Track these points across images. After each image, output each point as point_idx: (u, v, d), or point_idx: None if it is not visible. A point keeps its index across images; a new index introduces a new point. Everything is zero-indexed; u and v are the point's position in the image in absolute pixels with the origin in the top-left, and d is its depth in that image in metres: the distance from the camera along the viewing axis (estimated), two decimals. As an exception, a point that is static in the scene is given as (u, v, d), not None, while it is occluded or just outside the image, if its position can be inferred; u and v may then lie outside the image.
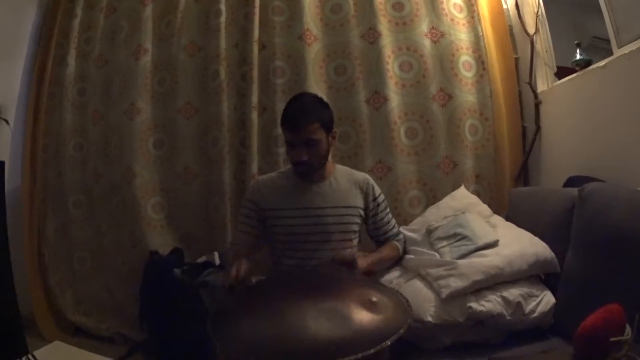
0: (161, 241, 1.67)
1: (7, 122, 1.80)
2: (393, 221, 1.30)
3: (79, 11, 1.94)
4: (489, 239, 1.17)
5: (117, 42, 1.84)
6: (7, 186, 1.69)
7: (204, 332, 0.82)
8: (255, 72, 1.66)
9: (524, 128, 1.78)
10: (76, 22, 1.92)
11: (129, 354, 1.66)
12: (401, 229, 1.43)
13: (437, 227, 1.31)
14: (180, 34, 1.77)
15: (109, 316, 1.79)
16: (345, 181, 1.24)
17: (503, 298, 1.05)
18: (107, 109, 1.83)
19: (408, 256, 1.27)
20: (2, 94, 1.89)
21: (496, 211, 1.52)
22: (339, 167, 1.29)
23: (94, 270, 1.83)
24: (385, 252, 1.25)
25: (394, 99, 1.66)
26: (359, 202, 1.23)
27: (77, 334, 1.86)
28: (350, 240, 1.22)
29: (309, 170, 1.17)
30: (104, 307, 1.81)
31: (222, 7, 1.74)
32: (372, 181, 1.27)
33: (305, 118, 1.11)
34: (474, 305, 1.03)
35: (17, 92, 2.00)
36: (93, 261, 1.83)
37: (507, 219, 1.41)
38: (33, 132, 1.91)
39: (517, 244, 1.14)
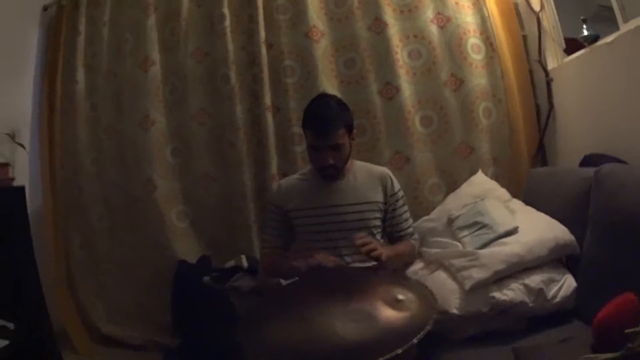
0: (188, 248, 1.70)
1: (22, 146, 1.82)
2: (410, 220, 1.30)
3: (82, 28, 1.94)
4: (509, 226, 1.18)
5: (123, 55, 1.85)
6: (30, 207, 1.72)
7: (234, 335, 0.83)
8: (265, 73, 1.67)
9: (537, 107, 1.77)
10: (81, 38, 1.93)
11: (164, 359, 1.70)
12: (421, 219, 1.44)
13: (458, 216, 1.33)
14: (186, 41, 1.77)
15: (139, 325, 1.82)
16: (364, 177, 1.25)
17: (525, 286, 1.06)
18: (120, 122, 1.84)
19: (425, 249, 1.28)
20: (14, 118, 1.90)
21: (516, 193, 1.53)
22: (358, 162, 1.30)
23: (121, 281, 1.86)
24: (403, 248, 1.25)
25: (406, 88, 1.66)
26: (379, 197, 1.23)
27: (110, 344, 1.90)
28: (373, 235, 1.22)
29: (334, 174, 1.19)
30: (134, 316, 1.84)
31: (226, 10, 1.73)
32: (391, 176, 1.28)
33: (332, 124, 1.12)
34: (496, 295, 1.05)
35: (30, 113, 2.01)
36: (119, 272, 1.86)
37: (526, 201, 1.41)
38: (49, 151, 1.93)
39: (536, 230, 1.15)
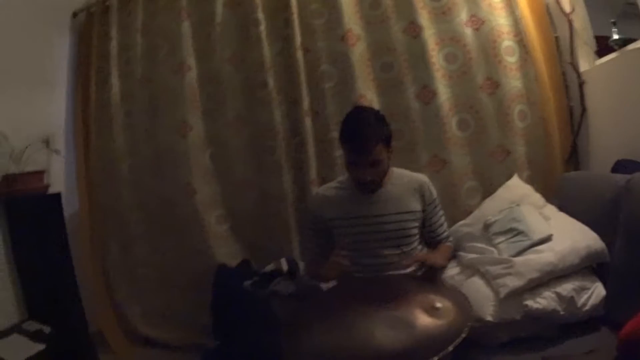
0: (228, 251, 1.73)
1: (58, 152, 1.84)
2: (445, 224, 1.32)
3: (113, 33, 1.96)
4: (544, 233, 1.20)
5: (158, 61, 1.87)
6: (66, 212, 1.75)
7: (275, 340, 0.87)
8: (302, 78, 1.68)
9: (570, 108, 1.77)
10: (113, 44, 1.95)
11: (203, 360, 1.73)
12: (458, 224, 1.45)
13: (494, 222, 1.34)
14: (222, 47, 1.79)
15: (177, 327, 1.86)
16: (402, 186, 1.25)
17: (557, 294, 1.08)
18: (156, 128, 1.86)
19: (462, 253, 1.30)
20: (49, 124, 1.94)
21: (550, 197, 1.53)
22: (396, 170, 1.30)
23: (157, 284, 1.89)
24: (446, 251, 1.28)
25: (443, 92, 1.66)
26: (417, 205, 1.24)
27: (147, 346, 1.94)
28: (411, 244, 1.24)
29: (373, 188, 1.20)
30: (170, 318, 1.88)
31: (260, 15, 1.74)
32: (429, 183, 1.28)
33: (370, 141, 1.12)
34: (530, 302, 1.07)
35: (64, 120, 2.04)
36: (156, 276, 1.89)
37: (558, 205, 1.42)
38: (85, 157, 1.96)
39: (569, 238, 1.17)
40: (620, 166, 1.36)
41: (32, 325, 1.51)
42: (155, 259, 1.89)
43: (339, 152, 1.63)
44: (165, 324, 1.90)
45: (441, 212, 1.30)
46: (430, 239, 1.30)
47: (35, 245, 1.61)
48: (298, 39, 1.69)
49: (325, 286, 1.29)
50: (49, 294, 1.61)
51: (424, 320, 0.84)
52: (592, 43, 1.66)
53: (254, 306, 1.53)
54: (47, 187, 1.75)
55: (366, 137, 1.12)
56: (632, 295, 0.99)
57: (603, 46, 1.54)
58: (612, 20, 1.44)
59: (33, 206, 1.64)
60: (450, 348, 0.74)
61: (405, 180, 1.26)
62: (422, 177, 1.29)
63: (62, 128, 2.02)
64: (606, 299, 1.09)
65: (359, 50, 1.69)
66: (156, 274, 1.90)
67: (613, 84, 1.50)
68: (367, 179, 1.15)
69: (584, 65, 1.70)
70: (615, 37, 1.43)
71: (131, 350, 1.91)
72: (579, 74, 1.70)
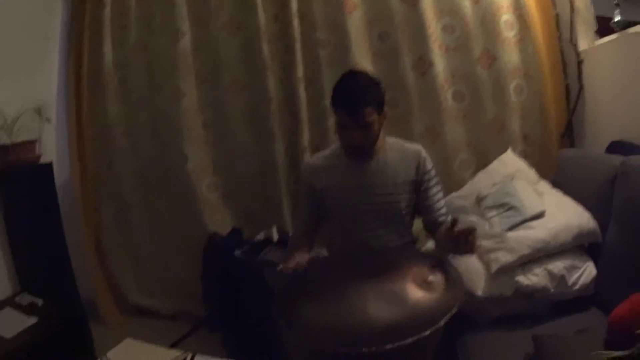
0: (219, 219, 1.72)
1: (49, 121, 1.81)
2: (443, 201, 1.24)
3: (107, 0, 1.92)
4: (536, 209, 1.20)
5: (153, 27, 1.84)
6: (58, 181, 1.74)
7: (267, 309, 0.87)
8: (298, 45, 1.66)
9: (567, 87, 1.76)
10: (107, 11, 1.91)
11: (194, 329, 1.74)
12: (451, 195, 1.44)
13: (487, 196, 1.34)
14: (218, 12, 1.75)
15: (171, 295, 1.86)
16: (396, 155, 1.21)
17: (548, 271, 1.09)
18: (152, 94, 1.84)
19: None
20: (42, 92, 1.90)
21: (544, 172, 1.53)
22: (391, 139, 1.26)
23: (153, 252, 1.89)
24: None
25: (439, 63, 1.65)
26: (411, 175, 1.20)
27: (139, 316, 1.94)
28: (403, 215, 1.21)
29: (360, 152, 1.17)
30: (166, 287, 1.88)
31: (256, -19, 1.71)
32: (424, 154, 1.23)
33: (362, 102, 1.08)
34: (521, 279, 1.08)
35: (56, 88, 2.01)
36: (152, 243, 1.89)
37: (555, 182, 1.42)
38: (77, 125, 1.94)
39: (562, 216, 1.16)
40: (615, 146, 1.36)
41: (25, 298, 1.50)
42: (149, 226, 1.89)
43: (332, 121, 1.61)
44: (158, 292, 1.90)
45: (439, 187, 1.23)
46: (427, 214, 1.22)
47: (27, 217, 1.60)
48: (295, 5, 1.67)
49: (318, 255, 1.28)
50: (42, 265, 1.61)
51: (416, 293, 0.84)
52: (593, 23, 1.64)
53: (244, 274, 1.53)
54: (39, 157, 1.73)
55: (356, 98, 1.09)
56: (623, 276, 1.00)
57: (605, 27, 1.52)
58: (616, 2, 1.43)
59: (25, 177, 1.61)
60: (442, 322, 0.74)
61: (399, 150, 1.22)
62: (418, 147, 1.25)
63: (54, 96, 1.99)
64: (597, 279, 1.10)
65: (356, 19, 1.67)
66: (151, 242, 1.90)
67: (612, 65, 1.49)
68: (356, 142, 1.11)
69: (583, 44, 1.68)
70: (618, 18, 1.41)
71: (123, 320, 1.91)
72: (577, 53, 1.69)
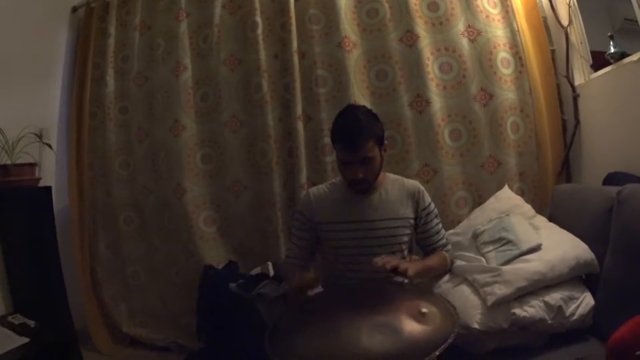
0: (215, 253, 1.71)
1: (50, 146, 1.83)
2: (443, 232, 1.29)
3: (112, 30, 1.96)
4: (533, 243, 1.20)
5: (155, 60, 1.87)
6: (55, 207, 1.75)
7: (260, 343, 0.85)
8: (297, 83, 1.68)
9: (564, 122, 1.78)
10: (111, 41, 1.95)
11: (186, 362, 1.72)
12: (448, 232, 1.44)
13: (483, 231, 1.34)
14: (219, 48, 1.78)
15: (164, 327, 1.85)
16: (396, 191, 1.23)
17: (545, 303, 1.08)
18: (151, 127, 1.86)
19: (456, 262, 1.29)
20: (43, 118, 1.93)
21: (540, 209, 1.54)
22: (391, 176, 1.28)
23: (147, 283, 1.88)
24: (434, 261, 1.24)
25: (436, 102, 1.67)
26: (410, 212, 1.22)
27: (132, 345, 1.92)
28: (402, 251, 1.21)
29: (365, 188, 1.18)
30: (158, 318, 1.86)
31: (258, 19, 1.75)
32: (422, 190, 1.26)
33: (361, 137, 1.09)
34: (517, 311, 1.06)
35: (57, 115, 2.04)
36: (146, 275, 1.88)
37: (551, 217, 1.42)
38: (77, 152, 1.96)
39: (559, 248, 1.16)
40: (612, 178, 1.36)
41: (18, 319, 1.50)
42: (146, 257, 1.88)
43: (330, 158, 1.64)
44: (151, 323, 1.89)
45: (437, 220, 1.26)
46: (427, 247, 1.27)
47: (24, 238, 1.60)
48: (295, 43, 1.70)
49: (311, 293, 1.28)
50: (36, 288, 1.60)
51: (410, 325, 0.83)
52: (588, 56, 1.67)
53: (239, 308, 1.52)
54: (38, 180, 1.74)
55: (356, 134, 1.09)
56: (621, 305, 0.99)
57: (600, 61, 1.55)
58: (610, 34, 1.45)
59: (24, 199, 1.62)
60: (437, 353, 0.73)
61: (398, 186, 1.24)
62: (416, 183, 1.28)
63: (55, 122, 2.01)
64: (595, 310, 1.09)
65: (354, 57, 1.70)
66: (146, 273, 1.89)
67: (607, 97, 1.51)
68: (358, 177, 1.12)
69: (579, 79, 1.71)
70: (612, 50, 1.44)
71: (116, 349, 1.90)
72: (573, 88, 1.71)
